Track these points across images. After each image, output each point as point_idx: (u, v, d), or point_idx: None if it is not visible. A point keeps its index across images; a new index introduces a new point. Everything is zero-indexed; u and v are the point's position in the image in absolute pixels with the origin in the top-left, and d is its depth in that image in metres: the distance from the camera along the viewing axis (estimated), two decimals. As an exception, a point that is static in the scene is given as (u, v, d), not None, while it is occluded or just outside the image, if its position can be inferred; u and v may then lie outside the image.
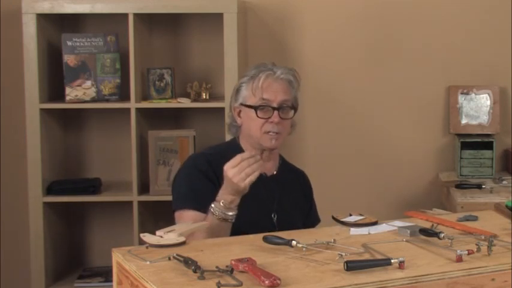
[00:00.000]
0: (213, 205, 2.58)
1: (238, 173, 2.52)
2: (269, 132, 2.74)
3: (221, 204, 2.57)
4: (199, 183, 2.71)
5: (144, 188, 3.89)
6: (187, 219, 2.64)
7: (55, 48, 3.92)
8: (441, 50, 4.18)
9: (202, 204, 2.63)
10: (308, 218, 2.94)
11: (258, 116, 2.74)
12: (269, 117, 2.74)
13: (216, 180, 2.68)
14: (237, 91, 2.83)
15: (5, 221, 4.14)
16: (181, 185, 2.76)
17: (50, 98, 3.91)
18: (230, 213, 2.58)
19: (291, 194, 2.88)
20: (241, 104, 2.79)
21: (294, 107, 2.81)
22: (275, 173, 2.87)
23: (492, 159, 3.98)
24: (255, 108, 2.75)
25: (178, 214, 2.71)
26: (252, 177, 2.53)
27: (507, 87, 4.19)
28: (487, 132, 4.13)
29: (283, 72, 2.79)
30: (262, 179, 2.67)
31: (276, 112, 2.74)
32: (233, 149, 2.77)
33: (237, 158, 2.53)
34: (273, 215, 2.73)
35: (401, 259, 2.04)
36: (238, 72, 3.78)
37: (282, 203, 2.79)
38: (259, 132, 2.75)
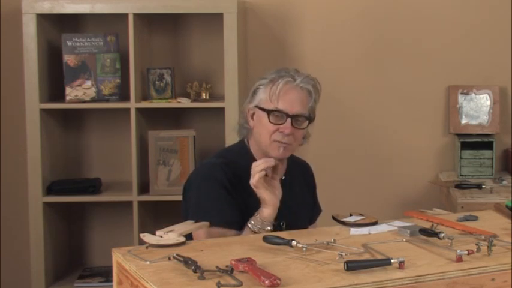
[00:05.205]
0: (251, 221, 2.59)
1: (252, 177, 2.57)
2: (278, 141, 2.66)
3: (258, 218, 2.58)
4: (221, 198, 2.64)
5: (144, 188, 3.89)
6: (212, 234, 2.59)
7: (55, 48, 3.92)
8: (441, 50, 4.18)
9: (228, 219, 2.62)
10: (312, 211, 2.94)
11: (270, 121, 2.65)
12: (281, 124, 2.64)
13: (232, 192, 2.66)
14: (254, 92, 2.72)
15: (5, 221, 4.13)
16: (201, 198, 2.67)
17: (50, 98, 3.90)
18: (267, 228, 2.58)
19: (298, 192, 2.82)
20: (256, 106, 2.71)
21: (310, 118, 2.72)
22: (283, 177, 2.76)
23: (492, 159, 3.98)
24: (268, 112, 2.66)
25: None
26: (259, 175, 2.54)
27: (507, 87, 4.19)
28: (487, 132, 4.13)
29: (303, 80, 2.68)
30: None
31: (288, 120, 2.65)
32: (244, 157, 2.73)
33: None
34: (281, 223, 2.66)
35: (401, 259, 2.04)
36: (238, 72, 3.78)
37: (291, 207, 2.72)
38: (268, 139, 2.66)
